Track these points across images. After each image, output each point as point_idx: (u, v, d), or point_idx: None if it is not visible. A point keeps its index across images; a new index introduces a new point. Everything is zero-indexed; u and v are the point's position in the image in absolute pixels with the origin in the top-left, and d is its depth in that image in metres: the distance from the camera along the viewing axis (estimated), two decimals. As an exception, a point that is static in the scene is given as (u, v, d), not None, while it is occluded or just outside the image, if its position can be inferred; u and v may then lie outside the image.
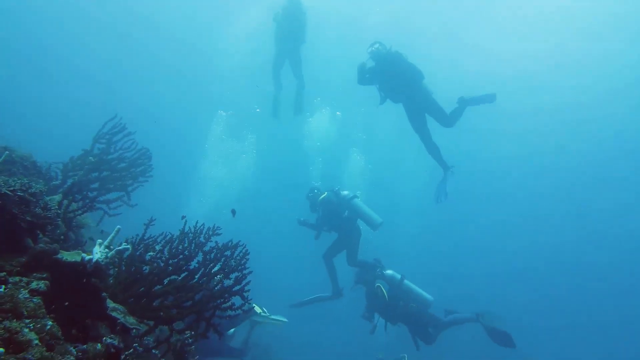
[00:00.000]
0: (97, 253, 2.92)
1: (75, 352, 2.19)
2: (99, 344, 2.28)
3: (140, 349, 2.70)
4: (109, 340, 2.14)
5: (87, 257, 2.85)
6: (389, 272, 8.29)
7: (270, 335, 10.04)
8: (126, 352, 2.22)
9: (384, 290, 7.91)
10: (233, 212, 5.68)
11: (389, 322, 8.19)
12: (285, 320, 8.31)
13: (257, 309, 7.53)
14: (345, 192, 8.46)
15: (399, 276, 8.23)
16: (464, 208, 27.64)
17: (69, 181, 4.83)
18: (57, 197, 3.69)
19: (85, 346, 2.36)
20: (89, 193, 4.45)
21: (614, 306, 25.44)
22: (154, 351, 4.52)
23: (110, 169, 5.18)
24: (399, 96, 7.54)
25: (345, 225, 8.42)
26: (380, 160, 22.83)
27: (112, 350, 2.14)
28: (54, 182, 4.67)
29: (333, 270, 8.76)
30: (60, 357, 2.10)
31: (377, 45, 7.46)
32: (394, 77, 7.33)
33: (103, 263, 2.98)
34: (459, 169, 8.02)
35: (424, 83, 7.44)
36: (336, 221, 8.37)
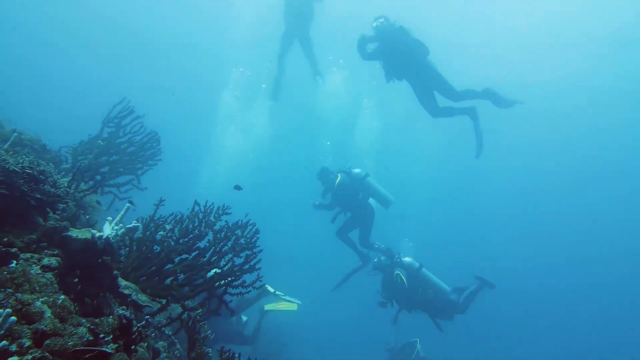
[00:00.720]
0: (108, 230, 2.92)
1: (87, 324, 2.19)
2: (110, 317, 2.27)
3: (152, 320, 2.70)
4: (120, 311, 2.12)
5: (98, 234, 2.84)
6: (407, 259, 8.21)
7: (281, 321, 10.10)
8: (138, 324, 2.20)
9: (404, 278, 7.82)
10: (237, 187, 5.63)
11: (405, 310, 8.17)
12: (298, 302, 8.34)
13: (270, 289, 7.54)
14: (357, 170, 8.35)
15: (417, 264, 8.14)
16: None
17: (79, 165, 4.84)
18: (67, 179, 3.68)
19: (97, 320, 2.36)
20: (98, 176, 4.44)
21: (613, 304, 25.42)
22: (166, 331, 4.56)
23: (120, 152, 5.18)
24: (403, 73, 7.34)
25: (360, 205, 8.35)
26: (392, 124, 22.50)
27: (124, 321, 2.12)
28: (64, 166, 4.68)
29: (351, 242, 8.66)
30: (72, 328, 2.10)
31: (381, 20, 7.26)
32: (397, 54, 7.14)
33: (114, 240, 2.98)
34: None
35: (429, 59, 7.22)
36: (352, 202, 8.28)
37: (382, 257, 8.33)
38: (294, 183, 27.13)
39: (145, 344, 2.79)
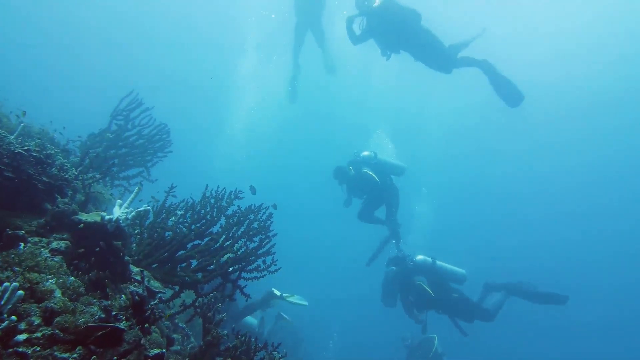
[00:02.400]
0: (118, 213, 2.83)
1: (99, 303, 2.09)
2: (122, 296, 2.18)
3: (162, 296, 2.61)
4: (132, 288, 2.03)
5: (108, 217, 2.76)
6: (420, 257, 7.86)
7: (298, 316, 9.98)
8: (152, 302, 2.11)
9: (427, 287, 7.48)
10: (252, 189, 5.53)
11: (436, 311, 7.89)
12: (305, 303, 8.25)
13: (276, 292, 7.40)
14: (366, 153, 8.12)
15: (430, 259, 7.85)
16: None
17: (87, 151, 4.78)
18: (74, 166, 3.61)
19: (109, 302, 2.27)
20: (107, 168, 4.37)
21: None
22: (180, 324, 4.47)
23: (128, 145, 5.11)
24: (400, 44, 7.05)
25: (386, 186, 8.14)
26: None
27: (137, 298, 2.02)
28: (72, 159, 4.62)
29: (377, 218, 8.37)
30: (83, 307, 2.01)
31: None
32: (390, 26, 6.86)
33: (124, 224, 2.89)
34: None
35: (423, 24, 6.93)
36: (377, 186, 8.01)
37: (393, 268, 7.99)
38: (300, 184, 27.17)
39: (159, 330, 2.70)
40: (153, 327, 2.61)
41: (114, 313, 1.98)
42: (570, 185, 28.42)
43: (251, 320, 7.43)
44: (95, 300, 2.15)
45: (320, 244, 27.13)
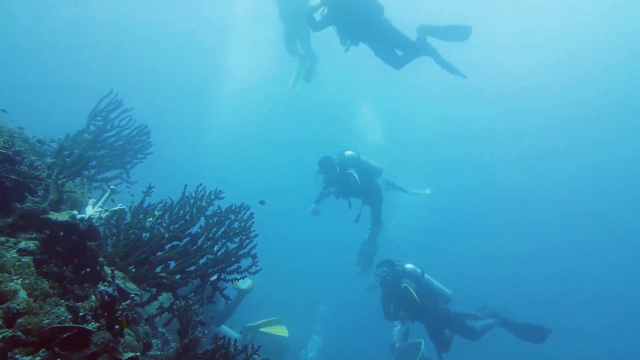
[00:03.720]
0: (90, 212, 2.73)
1: (66, 304, 1.99)
2: (92, 296, 2.08)
3: (138, 299, 2.51)
4: (102, 287, 1.93)
5: (79, 216, 2.65)
6: (410, 266, 7.70)
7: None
8: (124, 303, 2.01)
9: (413, 291, 7.32)
10: (262, 202, 5.41)
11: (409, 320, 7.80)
12: (285, 335, 8.25)
13: (242, 285, 7.23)
14: (349, 153, 8.06)
15: (419, 270, 7.70)
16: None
17: (61, 147, 4.65)
18: (47, 164, 3.49)
19: (79, 303, 2.16)
20: (85, 170, 4.25)
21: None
22: (160, 329, 4.34)
23: (107, 146, 4.99)
24: (360, 35, 7.00)
25: (368, 186, 8.19)
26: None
27: (107, 297, 1.93)
28: (48, 160, 4.48)
29: (358, 216, 8.34)
30: (49, 308, 1.91)
31: None
32: (353, 16, 6.81)
33: (98, 223, 2.79)
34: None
35: (385, 17, 6.93)
36: (360, 187, 7.98)
37: (384, 268, 7.88)
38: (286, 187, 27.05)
39: (134, 334, 2.60)
40: (127, 329, 2.51)
41: (81, 314, 1.89)
42: (560, 190, 28.77)
43: (231, 332, 7.28)
44: (62, 301, 2.05)
45: (307, 245, 27.04)
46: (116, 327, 1.98)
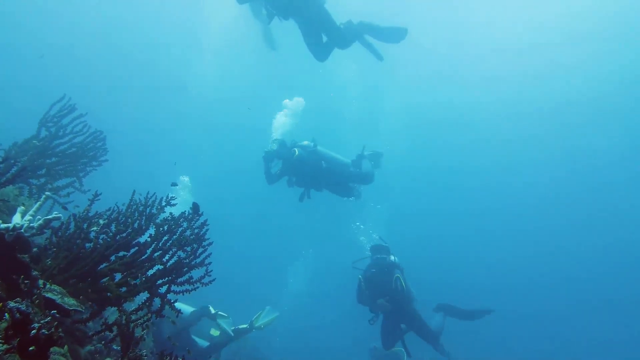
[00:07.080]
0: (18, 220, 2.49)
1: (-29, 324, 1.76)
2: (6, 314, 1.85)
3: (67, 320, 2.28)
4: (12, 304, 1.71)
5: (4, 225, 2.41)
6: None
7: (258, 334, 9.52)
8: (42, 321, 1.79)
9: (403, 282, 7.23)
10: (174, 184, 5.15)
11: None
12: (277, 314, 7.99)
13: (212, 309, 6.94)
14: (306, 143, 7.80)
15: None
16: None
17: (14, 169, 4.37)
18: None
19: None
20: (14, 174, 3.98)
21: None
22: (114, 346, 4.07)
23: (58, 154, 4.73)
24: (291, 11, 6.44)
25: (330, 171, 7.83)
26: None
27: (18, 315, 1.71)
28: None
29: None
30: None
31: None
32: None
33: (28, 233, 2.55)
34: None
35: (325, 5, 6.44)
36: (317, 172, 7.74)
37: (384, 256, 7.59)
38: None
39: (66, 355, 2.36)
40: (57, 349, 2.28)
41: (-15, 335, 1.66)
42: (529, 181, 29.15)
43: (202, 342, 6.97)
44: (-32, 320, 1.81)
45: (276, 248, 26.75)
46: (30, 348, 1.75)
